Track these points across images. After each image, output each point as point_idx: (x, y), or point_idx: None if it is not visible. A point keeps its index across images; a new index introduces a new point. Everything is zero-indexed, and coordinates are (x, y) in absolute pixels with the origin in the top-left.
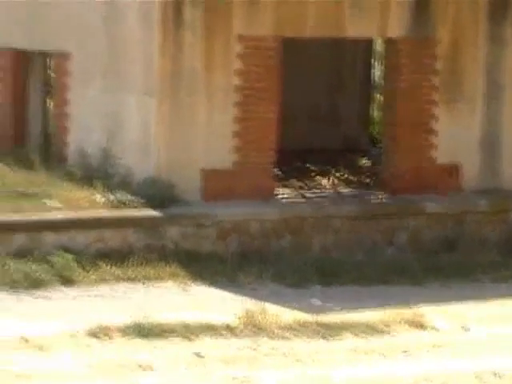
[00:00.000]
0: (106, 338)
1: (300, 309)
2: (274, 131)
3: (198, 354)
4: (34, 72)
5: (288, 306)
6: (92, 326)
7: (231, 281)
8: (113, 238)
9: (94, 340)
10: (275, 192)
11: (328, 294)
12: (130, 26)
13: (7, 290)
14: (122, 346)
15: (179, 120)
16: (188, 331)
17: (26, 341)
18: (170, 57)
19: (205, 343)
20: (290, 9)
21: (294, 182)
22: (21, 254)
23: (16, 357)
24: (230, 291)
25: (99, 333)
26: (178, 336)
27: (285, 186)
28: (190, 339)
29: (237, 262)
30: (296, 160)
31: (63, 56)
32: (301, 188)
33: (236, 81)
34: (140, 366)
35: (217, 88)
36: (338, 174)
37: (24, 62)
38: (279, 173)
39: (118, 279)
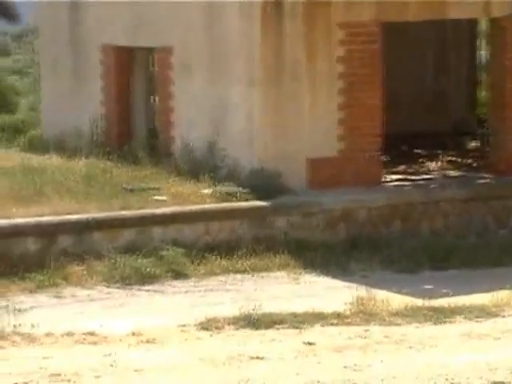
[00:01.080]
0: (217, 330)
1: (411, 294)
2: (379, 117)
3: (308, 343)
4: (138, 68)
5: (399, 292)
6: (202, 319)
7: (341, 269)
8: (221, 231)
9: (205, 332)
10: (382, 178)
11: (439, 279)
12: (232, 18)
13: (118, 286)
14: (233, 337)
15: (283, 110)
16: (298, 321)
17: (138, 335)
18: (271, 47)
19: (315, 332)
20: None
21: (402, 167)
22: (130, 250)
23: (128, 351)
24: (340, 279)
25: (209, 325)
26: (287, 326)
27: (392, 172)
28: (300, 329)
29: (346, 250)
30: (403, 145)
31: (166, 50)
32: (408, 173)
33: (339, 68)
34: (251, 357)
35: (320, 76)
36: (445, 158)
37: (127, 58)
38: (386, 159)
39: (227, 271)
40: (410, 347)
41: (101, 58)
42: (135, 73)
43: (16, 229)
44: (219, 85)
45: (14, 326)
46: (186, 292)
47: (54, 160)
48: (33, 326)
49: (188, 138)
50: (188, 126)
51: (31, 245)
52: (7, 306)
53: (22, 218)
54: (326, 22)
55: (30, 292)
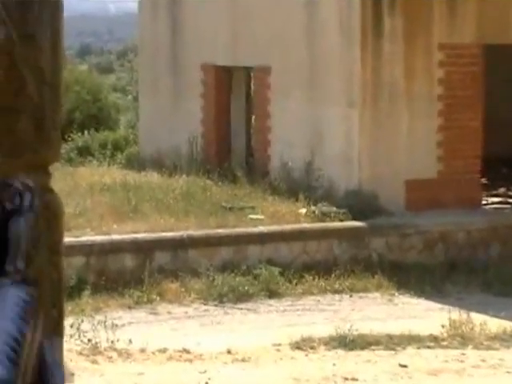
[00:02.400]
0: (312, 350)
1: (509, 318)
2: (478, 139)
3: (403, 366)
4: (236, 87)
5: (496, 316)
6: (297, 339)
7: (438, 291)
8: (317, 250)
9: (299, 352)
10: (482, 200)
11: None
12: (330, 39)
13: (215, 304)
14: (327, 357)
15: (381, 131)
16: (393, 342)
17: (233, 353)
18: (370, 67)
19: (410, 354)
20: (492, 15)
21: (501, 189)
22: (227, 268)
23: (223, 369)
24: (436, 301)
25: (304, 345)
26: (383, 347)
27: (491, 195)
28: (394, 350)
29: (443, 272)
30: (503, 167)
31: (264, 70)
32: (508, 196)
33: (438, 90)
34: (345, 378)
35: (418, 97)
36: None
37: (227, 77)
38: (485, 181)
39: (323, 291)
40: (508, 372)
41: (200, 77)
42: (234, 92)
43: (114, 245)
44: (317, 105)
45: (111, 342)
46: (280, 311)
47: (153, 177)
48: (129, 341)
49: (285, 158)
50: (285, 145)
51: (129, 261)
52: (105, 321)
53: (120, 234)
54: (426, 43)
55: (128, 308)
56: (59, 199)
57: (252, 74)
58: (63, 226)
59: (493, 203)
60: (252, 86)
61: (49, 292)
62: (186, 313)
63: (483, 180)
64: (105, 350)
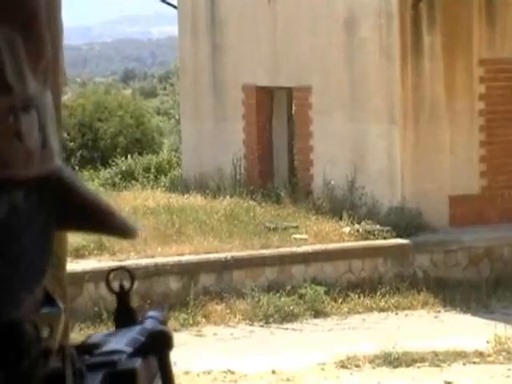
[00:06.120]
0: (356, 368)
1: None
2: None
3: (448, 382)
4: (278, 107)
5: None
6: (342, 357)
7: (483, 306)
8: (362, 269)
9: (344, 371)
10: None
11: None
12: (370, 57)
13: (261, 325)
14: (371, 376)
15: (424, 147)
16: (439, 359)
17: (277, 373)
18: (410, 84)
19: (455, 371)
20: None
21: None
22: (272, 288)
23: None
24: (481, 317)
25: (349, 363)
26: (428, 364)
27: None
28: (440, 367)
29: (489, 288)
30: None
31: (305, 89)
32: None
33: (479, 105)
34: None
35: (459, 113)
36: None
37: (268, 98)
38: None
39: (369, 309)
40: None
41: (242, 98)
42: (275, 112)
43: (158, 268)
44: (358, 123)
45: None
46: (326, 330)
47: (196, 199)
48: (174, 364)
49: (327, 176)
50: (328, 164)
51: (173, 283)
52: None
53: (164, 257)
54: (466, 59)
55: (174, 330)
56: None
57: (293, 94)
58: (66, 241)
59: None
60: (293, 106)
61: None
62: (232, 334)
63: None
64: None
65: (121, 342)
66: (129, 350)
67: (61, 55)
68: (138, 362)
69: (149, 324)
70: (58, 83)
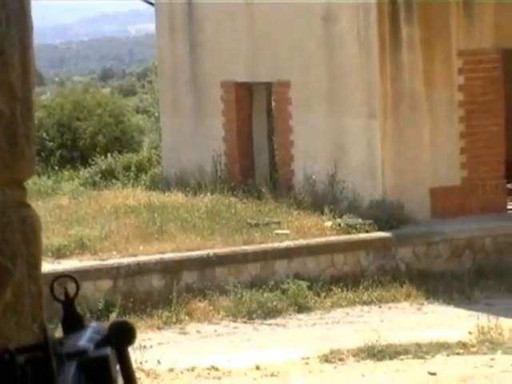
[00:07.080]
0: (340, 362)
1: None
2: (501, 144)
3: (432, 373)
4: (257, 103)
5: None
6: (325, 351)
7: (466, 298)
8: (345, 263)
9: (327, 365)
10: (507, 205)
11: None
12: (349, 51)
13: (244, 321)
14: (356, 369)
15: (403, 140)
16: (422, 351)
17: (261, 368)
18: (389, 77)
19: (439, 362)
20: (510, 20)
21: None
22: (255, 284)
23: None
24: (464, 308)
25: (332, 357)
26: (412, 356)
27: None
28: (423, 358)
29: (471, 279)
30: None
31: (284, 84)
32: None
33: (459, 96)
34: None
35: (439, 105)
36: None
37: (247, 93)
38: (510, 186)
39: (352, 303)
40: None
41: (221, 95)
42: (255, 108)
43: (141, 266)
44: (338, 117)
45: (140, 363)
46: (309, 325)
47: (177, 197)
48: (158, 362)
49: (308, 171)
50: (308, 159)
51: (156, 282)
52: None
53: (146, 255)
54: (445, 50)
55: (158, 328)
56: (36, 213)
57: (272, 90)
58: (41, 240)
59: None
60: (273, 102)
61: (28, 307)
62: (216, 331)
63: (508, 185)
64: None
65: (80, 340)
66: (91, 345)
67: (31, 54)
68: (108, 350)
69: (96, 327)
70: (30, 82)
